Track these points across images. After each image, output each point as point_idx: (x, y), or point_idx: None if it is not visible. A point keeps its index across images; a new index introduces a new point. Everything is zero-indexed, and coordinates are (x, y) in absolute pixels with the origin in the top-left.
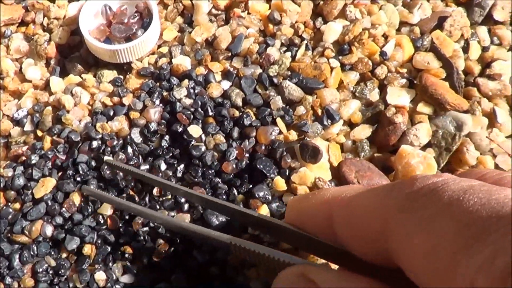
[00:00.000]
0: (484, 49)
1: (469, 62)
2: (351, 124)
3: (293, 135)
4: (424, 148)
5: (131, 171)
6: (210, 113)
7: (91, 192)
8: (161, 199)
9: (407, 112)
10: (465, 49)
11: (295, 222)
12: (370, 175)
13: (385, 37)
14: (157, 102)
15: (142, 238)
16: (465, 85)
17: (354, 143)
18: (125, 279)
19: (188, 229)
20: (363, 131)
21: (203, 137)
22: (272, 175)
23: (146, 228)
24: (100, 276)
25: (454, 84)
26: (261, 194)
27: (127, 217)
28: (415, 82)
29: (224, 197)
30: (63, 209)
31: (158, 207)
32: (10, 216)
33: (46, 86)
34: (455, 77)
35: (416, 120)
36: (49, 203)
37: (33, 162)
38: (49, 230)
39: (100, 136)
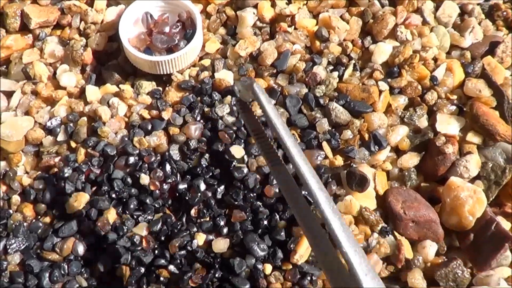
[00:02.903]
0: None
1: None
2: (398, 151)
3: (339, 161)
4: (472, 180)
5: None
6: None
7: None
8: (199, 220)
9: (457, 141)
10: None
11: None
12: (417, 206)
13: (435, 60)
14: (198, 118)
15: (178, 261)
16: None
17: (401, 171)
18: None
19: None
20: (411, 159)
21: (246, 158)
22: None
23: (183, 252)
24: None
25: (504, 113)
26: None
27: (163, 238)
28: (464, 109)
29: (265, 222)
30: (97, 227)
31: (196, 229)
32: (40, 231)
33: (81, 94)
34: (506, 106)
35: (464, 150)
36: (82, 220)
37: (66, 175)
38: (81, 249)
39: (137, 151)
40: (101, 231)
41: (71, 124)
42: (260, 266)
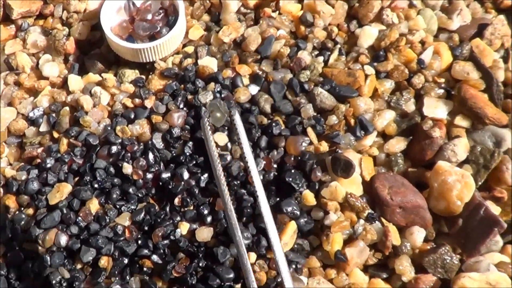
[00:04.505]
0: None
1: (509, 73)
2: (384, 136)
3: (324, 146)
4: (460, 164)
5: None
6: None
7: None
8: (182, 209)
9: (444, 125)
10: (505, 59)
11: None
12: (404, 191)
13: (422, 43)
14: (181, 106)
15: (161, 251)
16: (503, 97)
17: (388, 156)
18: None
19: None
20: (398, 144)
21: (229, 145)
22: (301, 189)
23: (166, 241)
24: None
25: (493, 96)
26: (289, 209)
27: (146, 228)
28: (452, 92)
29: (249, 210)
30: (79, 217)
31: (179, 218)
32: (22, 223)
33: (64, 84)
34: (495, 89)
35: (453, 134)
36: (64, 210)
37: (48, 165)
38: (63, 240)
39: (120, 140)
40: (84, 221)
41: (54, 114)
42: None
